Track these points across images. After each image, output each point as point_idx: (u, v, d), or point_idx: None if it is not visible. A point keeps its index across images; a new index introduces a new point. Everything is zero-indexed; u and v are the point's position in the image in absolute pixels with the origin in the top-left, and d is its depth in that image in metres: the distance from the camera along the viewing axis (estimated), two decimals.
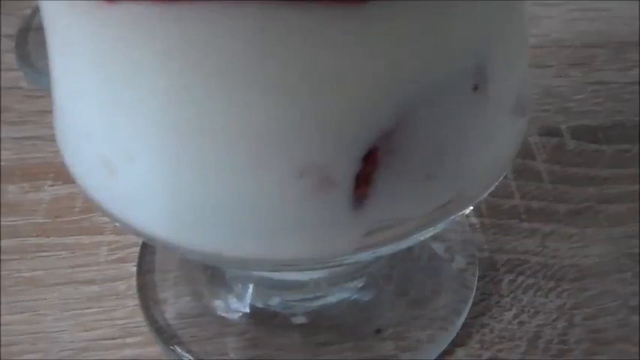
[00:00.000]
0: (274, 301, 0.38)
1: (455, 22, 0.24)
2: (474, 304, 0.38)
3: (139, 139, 0.26)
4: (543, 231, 0.41)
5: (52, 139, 0.48)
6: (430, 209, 0.27)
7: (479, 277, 0.39)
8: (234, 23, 0.22)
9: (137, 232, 0.29)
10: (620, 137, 0.46)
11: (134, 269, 0.40)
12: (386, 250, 0.27)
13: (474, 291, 0.38)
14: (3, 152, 0.46)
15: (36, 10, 0.54)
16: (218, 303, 0.38)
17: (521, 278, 0.39)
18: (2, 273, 0.40)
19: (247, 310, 0.38)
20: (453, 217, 0.28)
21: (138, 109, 0.25)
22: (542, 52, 0.51)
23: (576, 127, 0.47)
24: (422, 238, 0.28)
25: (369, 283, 0.39)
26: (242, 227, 0.27)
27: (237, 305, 0.38)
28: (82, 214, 0.43)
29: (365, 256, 0.27)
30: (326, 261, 0.27)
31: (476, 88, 0.26)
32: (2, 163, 0.45)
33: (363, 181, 0.26)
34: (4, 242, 0.41)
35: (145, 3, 0.22)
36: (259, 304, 0.38)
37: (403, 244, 0.28)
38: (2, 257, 0.40)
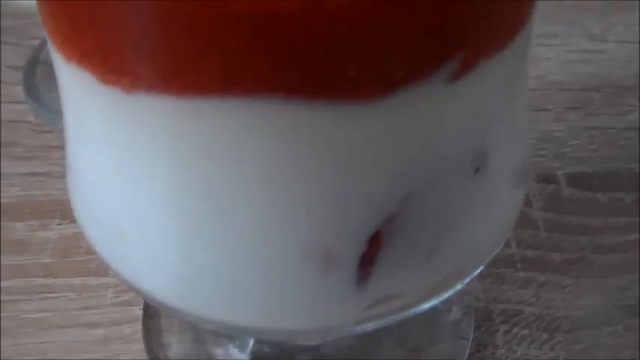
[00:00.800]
0: (275, 350, 0.39)
1: (460, 116, 0.25)
2: (470, 354, 0.39)
3: (151, 212, 0.27)
4: (538, 280, 0.42)
5: (59, 175, 0.50)
6: (431, 283, 0.28)
7: (475, 327, 0.40)
8: (246, 118, 0.23)
9: (143, 294, 0.30)
10: (615, 185, 0.47)
11: (140, 312, 0.41)
12: (386, 321, 0.28)
13: (470, 342, 0.39)
14: (10, 189, 0.47)
15: (44, 42, 0.55)
16: (220, 351, 0.39)
17: (516, 329, 0.40)
18: (9, 314, 0.41)
19: (249, 357, 0.39)
20: (453, 288, 0.30)
21: (151, 187, 0.26)
22: (539, 95, 0.53)
23: (572, 174, 0.48)
24: (422, 310, 0.29)
25: (369, 333, 0.40)
26: (247, 299, 0.28)
27: (239, 354, 0.39)
28: (88, 254, 0.43)
29: (365, 327, 0.28)
30: (327, 332, 0.28)
31: (477, 170, 0.27)
32: (10, 200, 0.46)
33: (367, 260, 0.27)
34: (11, 282, 0.42)
35: (162, 95, 0.23)
36: (261, 351, 0.39)
37: (404, 316, 0.29)
38: (9, 298, 0.41)
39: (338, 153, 0.24)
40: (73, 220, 0.46)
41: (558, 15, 0.59)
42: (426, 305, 0.29)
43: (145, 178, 0.26)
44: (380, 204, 0.25)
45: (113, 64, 0.23)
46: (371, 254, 0.26)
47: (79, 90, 0.26)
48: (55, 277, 0.42)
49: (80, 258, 0.43)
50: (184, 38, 0.21)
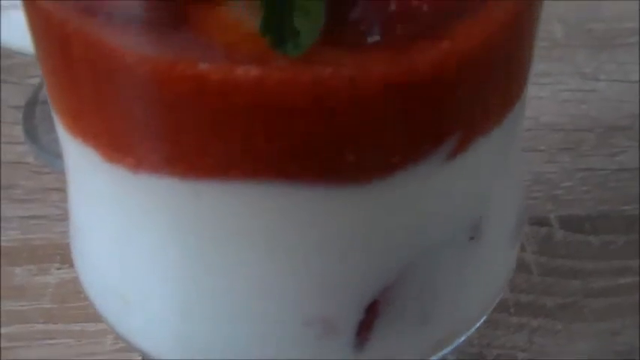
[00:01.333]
0: None
1: (455, 190, 0.26)
2: None
3: (152, 279, 0.28)
4: (531, 326, 0.43)
5: (58, 218, 0.50)
6: (427, 346, 0.29)
7: None
8: (247, 198, 0.23)
9: (140, 350, 0.31)
10: (606, 228, 0.48)
11: (139, 359, 0.41)
12: None
13: None
14: (10, 232, 0.47)
15: (43, 81, 0.56)
16: None
17: None
18: None
19: None
20: (449, 347, 0.30)
21: (152, 256, 0.27)
22: (532, 136, 0.53)
23: (564, 217, 0.49)
24: None
25: None
26: None
27: None
28: (87, 300, 0.44)
29: None
30: None
31: (472, 238, 0.28)
32: (9, 244, 0.46)
33: (365, 327, 0.27)
34: (11, 328, 0.43)
35: (165, 176, 0.24)
36: None
37: None
38: (9, 344, 0.42)
39: (337, 231, 0.24)
40: (72, 265, 0.46)
41: (550, 52, 0.60)
42: None
43: (146, 248, 0.26)
44: (378, 276, 0.26)
45: (118, 146, 0.23)
46: (368, 322, 0.27)
47: (83, 161, 0.26)
48: (54, 323, 0.42)
49: (80, 303, 0.43)
50: (188, 126, 0.21)
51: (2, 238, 0.47)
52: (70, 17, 0.21)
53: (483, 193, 0.27)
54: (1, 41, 0.44)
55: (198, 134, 0.21)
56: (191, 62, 0.19)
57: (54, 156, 0.50)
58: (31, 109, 0.54)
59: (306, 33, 0.20)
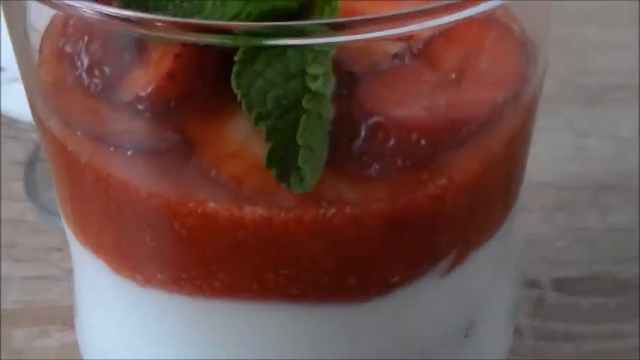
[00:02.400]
0: None
1: (450, 299, 0.26)
2: None
3: None
4: None
5: (60, 278, 0.51)
6: None
7: None
8: (251, 316, 0.24)
9: None
10: (597, 290, 0.49)
11: None
12: None
13: None
14: (11, 293, 0.48)
15: None
16: None
17: None
18: None
19: None
20: None
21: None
22: (526, 196, 0.54)
23: (556, 279, 0.49)
24: None
25: None
26: None
27: None
28: None
29: None
30: None
31: (466, 335, 0.29)
32: (10, 306, 0.47)
33: None
34: None
35: (174, 293, 0.24)
36: None
37: None
38: None
39: (338, 343, 0.25)
40: (73, 328, 0.47)
41: (542, 107, 0.61)
42: None
43: (153, 351, 0.27)
44: None
45: (127, 264, 0.24)
46: None
47: (90, 267, 0.27)
48: None
49: None
50: (196, 255, 0.22)
51: (3, 299, 0.47)
52: (81, 148, 0.22)
53: (478, 297, 0.28)
54: (4, 111, 0.44)
55: (207, 262, 0.22)
56: (200, 201, 0.20)
57: (55, 214, 0.51)
58: (31, 165, 0.54)
59: (311, 171, 0.21)
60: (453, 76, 0.24)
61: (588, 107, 0.60)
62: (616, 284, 0.49)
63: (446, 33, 0.25)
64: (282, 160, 0.21)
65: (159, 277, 0.23)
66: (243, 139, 0.23)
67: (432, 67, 0.25)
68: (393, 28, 0.20)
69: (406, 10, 0.20)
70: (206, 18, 0.25)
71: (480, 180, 0.22)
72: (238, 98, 0.22)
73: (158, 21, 0.21)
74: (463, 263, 0.25)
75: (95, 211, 0.23)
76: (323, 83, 0.22)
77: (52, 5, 0.22)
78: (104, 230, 0.23)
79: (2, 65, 0.44)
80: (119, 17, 0.21)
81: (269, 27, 0.20)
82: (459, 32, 0.25)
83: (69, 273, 0.51)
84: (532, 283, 0.49)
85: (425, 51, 0.25)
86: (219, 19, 0.25)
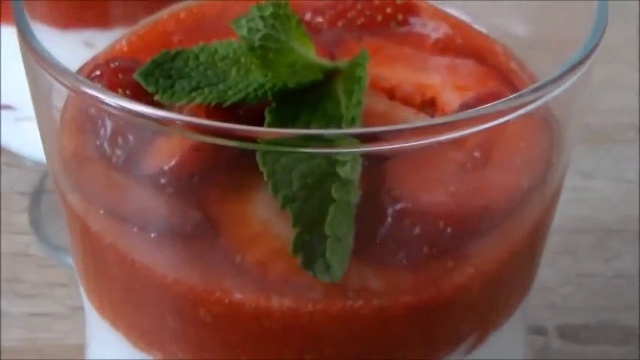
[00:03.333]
0: None
1: None
2: None
3: None
4: None
5: (63, 316, 0.50)
6: None
7: None
8: None
9: None
10: (602, 338, 0.49)
11: None
12: None
13: None
14: (14, 330, 0.47)
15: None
16: None
17: None
18: None
19: None
20: None
21: None
22: None
23: (562, 326, 0.49)
24: None
25: None
26: None
27: None
28: None
29: None
30: None
31: None
32: (11, 344, 0.46)
33: None
34: None
35: None
36: None
37: None
38: None
39: None
40: None
41: None
42: None
43: None
44: None
45: (147, 340, 0.24)
46: None
47: (107, 336, 0.27)
48: None
49: None
50: (219, 339, 0.22)
51: (4, 337, 0.47)
52: (105, 229, 0.21)
53: None
54: (14, 149, 0.44)
55: (230, 346, 0.22)
56: (226, 290, 0.20)
57: (60, 249, 0.50)
58: (37, 197, 0.54)
59: (339, 261, 0.21)
60: (478, 155, 0.24)
61: (594, 148, 0.61)
62: (621, 332, 0.49)
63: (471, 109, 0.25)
64: (309, 246, 0.21)
65: (180, 355, 0.23)
66: (267, 217, 0.23)
67: (456, 144, 0.25)
68: (430, 137, 0.20)
69: (436, 122, 0.20)
70: (229, 88, 0.25)
71: (506, 267, 0.22)
72: (265, 178, 0.22)
73: (180, 121, 0.21)
74: (484, 342, 0.25)
75: (117, 288, 0.23)
76: (351, 169, 0.21)
77: (75, 91, 0.22)
78: (125, 306, 0.23)
79: (13, 105, 0.44)
80: (140, 114, 0.21)
81: (296, 136, 0.20)
82: None
83: (73, 310, 0.51)
84: (537, 330, 0.49)
85: None
86: (244, 90, 0.25)
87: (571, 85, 0.22)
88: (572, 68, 0.22)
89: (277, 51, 0.24)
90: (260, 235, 0.22)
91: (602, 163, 0.59)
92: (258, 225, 0.23)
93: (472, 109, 0.20)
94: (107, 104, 0.20)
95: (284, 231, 0.22)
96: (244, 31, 0.24)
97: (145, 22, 0.30)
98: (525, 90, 0.21)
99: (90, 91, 0.21)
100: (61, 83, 0.22)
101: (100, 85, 0.24)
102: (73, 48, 0.39)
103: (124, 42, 0.29)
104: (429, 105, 0.28)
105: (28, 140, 0.42)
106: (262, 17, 0.24)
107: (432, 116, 0.28)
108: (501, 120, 0.20)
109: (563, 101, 0.23)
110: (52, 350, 0.46)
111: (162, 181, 0.23)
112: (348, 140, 0.20)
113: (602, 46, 0.29)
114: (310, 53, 0.25)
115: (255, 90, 0.25)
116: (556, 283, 0.51)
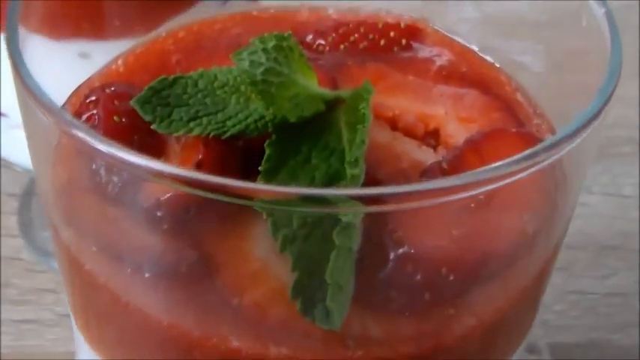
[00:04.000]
0: None
1: None
2: None
3: None
4: None
5: (51, 323, 0.50)
6: None
7: None
8: None
9: None
10: (595, 358, 0.49)
11: None
12: None
13: None
14: (2, 337, 0.47)
15: None
16: None
17: None
18: None
19: None
20: None
21: None
22: None
23: (554, 344, 0.49)
24: None
25: None
26: None
27: None
28: None
29: None
30: None
31: None
32: (1, 350, 0.46)
33: None
34: None
35: None
36: None
37: None
38: None
39: None
40: None
41: None
42: None
43: None
44: None
45: None
46: None
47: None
48: None
49: None
50: None
51: None
52: (99, 269, 0.21)
53: None
54: (4, 156, 0.44)
55: None
56: (223, 337, 0.20)
57: (49, 255, 0.50)
58: (27, 200, 0.53)
59: (339, 309, 0.20)
60: (482, 195, 0.23)
61: (592, 161, 0.60)
62: (613, 351, 0.49)
63: (476, 147, 0.25)
64: (308, 291, 0.21)
65: None
66: (266, 254, 0.23)
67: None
68: (437, 199, 0.19)
69: (444, 184, 0.19)
70: (229, 118, 0.25)
71: (508, 314, 0.22)
72: (265, 217, 0.22)
73: (170, 174, 0.20)
74: None
75: (109, 328, 0.22)
76: (354, 213, 0.21)
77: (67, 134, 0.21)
78: (117, 345, 0.22)
79: (3, 111, 0.43)
80: (130, 164, 0.20)
81: (298, 197, 0.20)
82: (490, 146, 0.25)
83: (61, 318, 0.51)
84: (529, 348, 0.48)
85: (453, 166, 0.24)
86: (243, 121, 0.24)
87: (585, 137, 0.21)
88: (588, 122, 0.22)
89: (279, 85, 0.23)
90: (259, 274, 0.22)
91: (600, 178, 0.58)
92: (256, 262, 0.22)
93: (482, 170, 0.20)
94: (99, 151, 0.20)
95: (283, 269, 0.22)
96: (246, 65, 0.23)
97: (143, 40, 0.29)
98: (538, 148, 0.20)
99: (81, 135, 0.20)
100: (54, 124, 0.21)
101: (93, 124, 0.23)
102: (68, 59, 0.38)
103: (120, 62, 0.28)
104: (433, 136, 0.28)
105: (19, 148, 0.42)
106: (265, 50, 0.23)
107: (435, 148, 0.27)
108: (511, 180, 0.19)
109: (575, 152, 0.23)
110: (39, 358, 0.45)
111: (158, 214, 0.23)
112: (350, 202, 0.19)
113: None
114: (312, 85, 0.25)
115: (256, 121, 0.24)
116: (549, 299, 0.51)
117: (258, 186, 0.20)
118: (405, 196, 0.19)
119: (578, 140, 0.21)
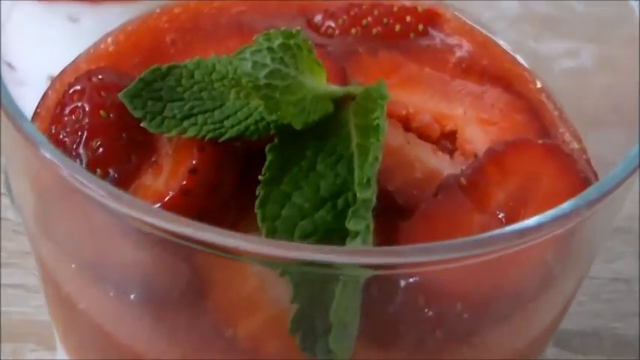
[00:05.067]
0: None
1: None
2: None
3: None
4: None
5: (36, 290, 0.48)
6: None
7: None
8: None
9: None
10: (596, 347, 0.47)
11: None
12: None
13: None
14: None
15: None
16: None
17: None
18: None
19: None
20: None
21: None
22: None
23: (557, 332, 0.48)
24: None
25: None
26: None
27: None
28: None
29: None
30: None
31: None
32: None
33: None
34: None
35: None
36: None
37: None
38: None
39: None
40: (47, 348, 0.45)
41: None
42: None
43: None
44: None
45: None
46: None
47: None
48: None
49: None
50: None
51: None
52: (78, 292, 0.19)
53: None
54: None
55: None
56: None
57: None
58: None
59: (342, 350, 0.18)
60: (501, 216, 0.21)
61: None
62: (614, 341, 0.47)
63: (498, 160, 0.23)
64: (308, 325, 0.19)
65: None
66: (264, 273, 0.21)
67: (479, 203, 0.22)
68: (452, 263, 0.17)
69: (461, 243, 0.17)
70: (227, 117, 0.22)
71: (525, 353, 0.20)
72: (264, 234, 0.20)
73: (157, 226, 0.17)
74: None
75: (92, 354, 0.20)
76: (362, 242, 0.19)
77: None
78: None
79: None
80: (114, 210, 0.17)
81: (298, 263, 0.17)
82: (513, 160, 0.23)
83: None
84: None
85: (473, 182, 0.22)
86: (243, 121, 0.22)
87: (610, 199, 0.19)
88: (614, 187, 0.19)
89: (285, 89, 0.21)
90: (254, 297, 0.20)
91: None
92: (253, 282, 0.20)
93: (505, 232, 0.17)
94: (85, 186, 0.17)
95: (282, 291, 0.20)
96: (248, 67, 0.20)
97: (135, 16, 0.27)
98: (562, 212, 0.18)
99: (54, 165, 0.18)
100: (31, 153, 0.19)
101: (77, 118, 0.21)
102: (57, 22, 0.36)
103: (109, 40, 0.26)
104: (449, 138, 0.26)
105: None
106: (270, 49, 0.21)
107: (452, 153, 0.25)
108: (537, 241, 0.17)
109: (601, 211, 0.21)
110: (21, 327, 0.43)
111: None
112: (355, 269, 0.17)
113: None
114: (321, 83, 0.22)
115: (257, 122, 0.22)
116: None
117: (251, 244, 0.17)
118: (420, 265, 0.17)
119: (604, 202, 0.19)
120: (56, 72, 0.31)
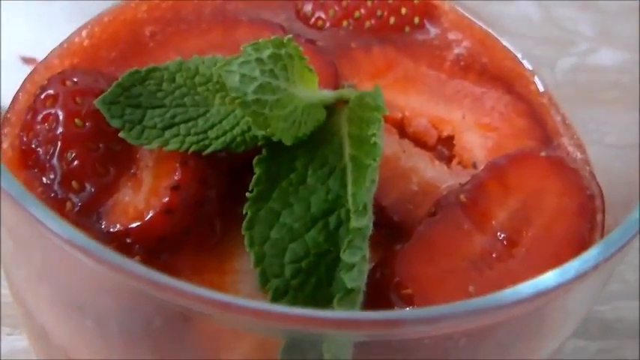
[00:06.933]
0: None
1: None
2: None
3: None
4: None
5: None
6: None
7: None
8: None
9: None
10: (580, 332, 0.47)
11: None
12: None
13: None
14: None
15: None
16: None
17: None
18: None
19: None
20: None
21: None
22: None
23: None
24: None
25: None
26: None
27: None
28: None
29: None
30: None
31: None
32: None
33: None
34: None
35: None
36: None
37: None
38: None
39: None
40: (24, 332, 0.43)
41: None
42: None
43: None
44: None
45: None
46: None
47: None
48: None
49: None
50: None
51: None
52: (52, 323, 0.17)
53: None
54: None
55: None
56: None
57: None
58: None
59: None
60: (502, 237, 0.20)
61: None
62: (599, 325, 0.47)
63: (500, 176, 0.21)
64: (299, 354, 0.17)
65: None
66: (250, 293, 0.19)
67: (479, 223, 0.21)
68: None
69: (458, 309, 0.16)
70: (212, 126, 0.21)
71: None
72: (252, 265, 0.18)
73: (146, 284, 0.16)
74: None
75: None
76: (358, 273, 0.18)
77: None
78: None
79: None
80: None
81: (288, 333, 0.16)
82: (516, 175, 0.21)
83: None
84: None
85: (473, 199, 0.21)
86: (229, 131, 0.20)
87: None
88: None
89: (275, 103, 0.19)
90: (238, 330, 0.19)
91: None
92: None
93: (501, 303, 0.16)
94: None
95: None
96: (235, 81, 0.19)
97: (112, 5, 0.25)
98: (563, 282, 0.16)
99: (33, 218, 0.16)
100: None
101: (50, 127, 0.19)
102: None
103: (84, 33, 0.24)
104: (446, 144, 0.24)
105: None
106: (259, 60, 0.19)
107: (449, 163, 0.24)
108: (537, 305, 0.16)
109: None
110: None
111: (128, 240, 0.19)
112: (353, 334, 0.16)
113: None
114: (313, 92, 0.21)
115: (243, 133, 0.21)
116: None
117: (244, 304, 0.16)
118: (415, 332, 0.16)
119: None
120: (27, 53, 0.29)
